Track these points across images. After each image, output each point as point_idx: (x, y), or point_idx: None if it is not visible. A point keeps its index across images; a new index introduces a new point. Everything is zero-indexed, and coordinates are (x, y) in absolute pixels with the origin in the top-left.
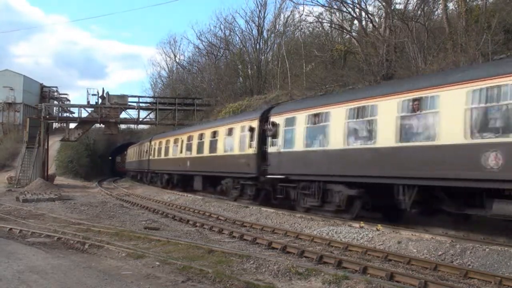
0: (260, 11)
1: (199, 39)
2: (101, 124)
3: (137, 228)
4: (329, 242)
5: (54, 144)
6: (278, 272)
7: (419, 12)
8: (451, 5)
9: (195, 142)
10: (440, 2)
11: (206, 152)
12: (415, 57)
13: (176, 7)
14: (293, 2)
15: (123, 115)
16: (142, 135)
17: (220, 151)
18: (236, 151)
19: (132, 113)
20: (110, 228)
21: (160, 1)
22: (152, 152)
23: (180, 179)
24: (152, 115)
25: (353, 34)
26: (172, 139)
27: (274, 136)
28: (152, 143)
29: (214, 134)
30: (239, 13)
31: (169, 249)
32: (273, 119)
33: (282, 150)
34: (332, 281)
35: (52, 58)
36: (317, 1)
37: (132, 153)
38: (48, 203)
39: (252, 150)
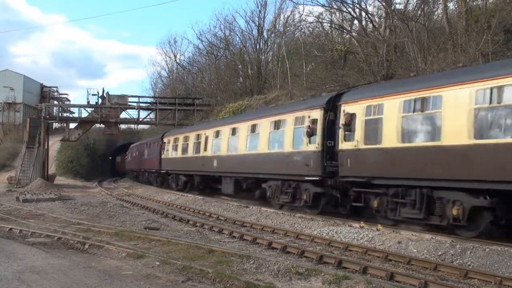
0: (260, 11)
1: (199, 39)
2: (101, 124)
3: (137, 228)
4: (329, 242)
5: (54, 144)
6: (278, 272)
7: (419, 12)
8: (451, 5)
9: None
10: (440, 2)
11: None
12: (415, 57)
13: (176, 7)
14: (293, 2)
15: (123, 115)
16: (142, 135)
17: None
18: None
19: (132, 113)
20: (110, 228)
21: (160, 1)
22: None
23: None
24: (152, 115)
25: (353, 34)
26: None
27: None
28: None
29: None
30: (239, 13)
31: (169, 249)
32: None
33: None
34: (332, 281)
35: (50, 57)
36: (317, 1)
37: (187, 144)
38: (48, 203)
39: None
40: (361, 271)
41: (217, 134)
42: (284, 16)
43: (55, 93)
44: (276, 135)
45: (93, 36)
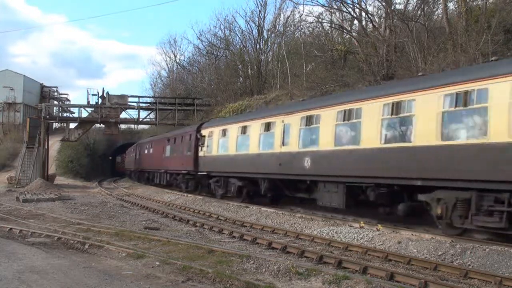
0: (260, 11)
1: (199, 39)
2: (101, 124)
3: (137, 228)
4: (329, 242)
5: (54, 144)
6: (278, 272)
7: (419, 12)
8: (451, 5)
9: None
10: (440, 2)
11: None
12: (415, 57)
13: (176, 7)
14: (293, 2)
15: (123, 115)
16: (143, 135)
17: None
18: None
19: (132, 113)
20: (110, 228)
21: (160, 1)
22: None
23: None
24: (152, 115)
25: (353, 34)
26: None
27: None
28: None
29: None
30: (239, 13)
31: (169, 249)
32: None
33: None
34: (332, 281)
35: (50, 57)
36: (317, 1)
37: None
38: (48, 203)
39: None
40: (361, 271)
41: (309, 121)
42: (284, 16)
43: (55, 93)
44: (460, 117)
45: (93, 36)
